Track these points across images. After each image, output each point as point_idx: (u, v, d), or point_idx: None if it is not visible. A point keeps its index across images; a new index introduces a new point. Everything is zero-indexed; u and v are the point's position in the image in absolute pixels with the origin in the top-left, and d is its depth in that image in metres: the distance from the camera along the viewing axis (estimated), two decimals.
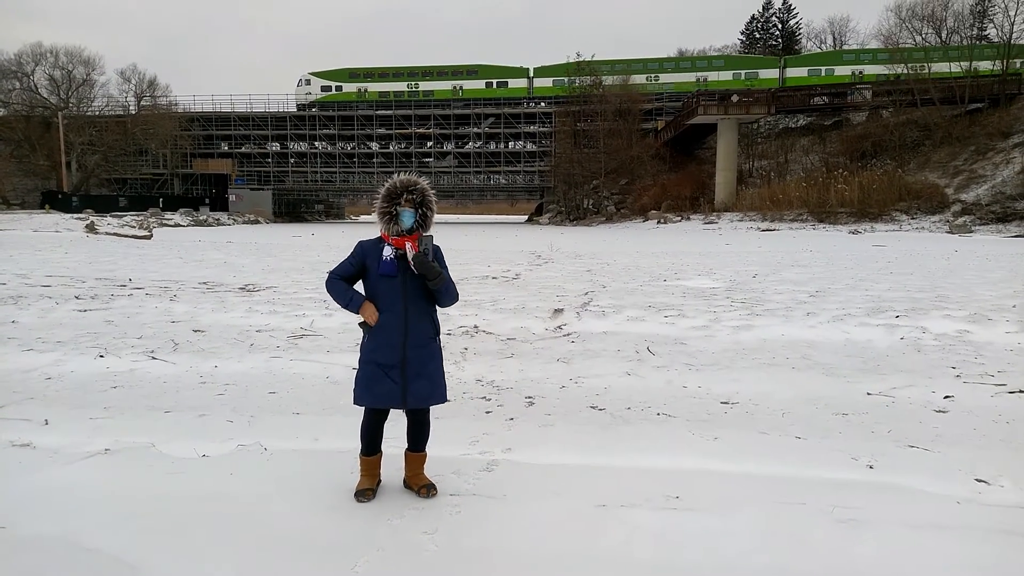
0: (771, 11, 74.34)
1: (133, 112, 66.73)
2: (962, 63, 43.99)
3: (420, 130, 66.77)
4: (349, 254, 3.50)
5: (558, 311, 8.75)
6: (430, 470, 3.58)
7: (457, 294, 3.53)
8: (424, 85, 65.08)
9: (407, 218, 3.34)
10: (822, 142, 48.63)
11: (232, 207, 63.29)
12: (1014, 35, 43.95)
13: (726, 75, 60.65)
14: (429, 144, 68.68)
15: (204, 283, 12.14)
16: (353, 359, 3.82)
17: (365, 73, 66.17)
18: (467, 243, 27.76)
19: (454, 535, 3.04)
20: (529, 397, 5.29)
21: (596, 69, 57.87)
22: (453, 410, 4.95)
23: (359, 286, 3.50)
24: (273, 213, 65.16)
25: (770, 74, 59.84)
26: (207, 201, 65.30)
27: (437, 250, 3.47)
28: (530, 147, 66.75)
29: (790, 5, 73.29)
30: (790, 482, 3.60)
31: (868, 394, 5.27)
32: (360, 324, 3.45)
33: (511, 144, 68.38)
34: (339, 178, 69.20)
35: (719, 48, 75.68)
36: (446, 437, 4.22)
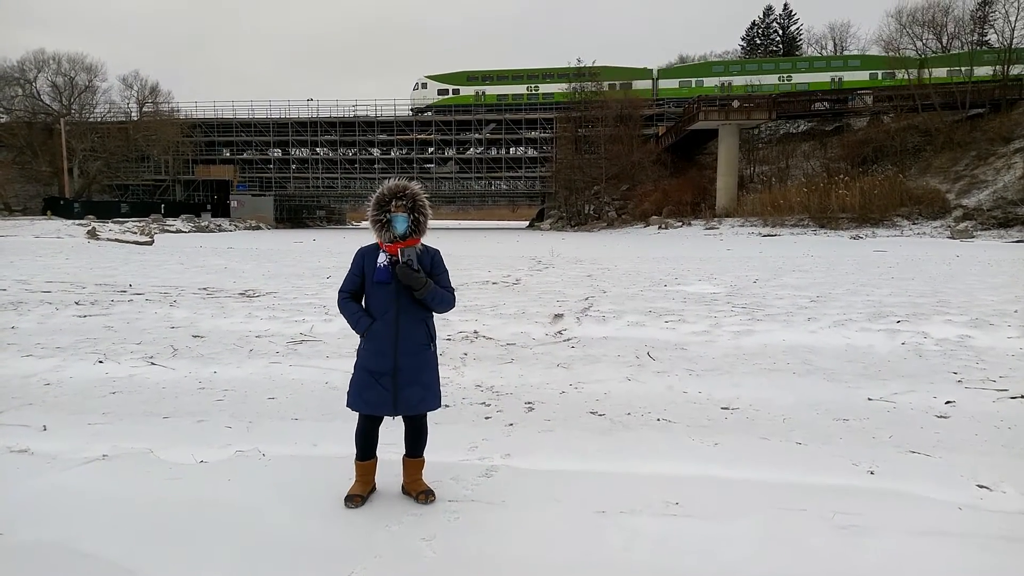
0: (772, 17, 74.49)
1: (135, 118, 66.84)
2: (962, 68, 44.03)
3: (421, 135, 66.82)
4: (351, 264, 3.50)
5: (558, 316, 8.74)
6: (429, 476, 3.57)
7: (452, 300, 3.48)
8: (544, 87, 63.28)
9: (400, 224, 3.33)
10: (823, 147, 48.64)
11: (234, 213, 63.37)
12: (1015, 40, 43.98)
13: (862, 75, 58.20)
14: (431, 150, 68.77)
15: (204, 289, 12.14)
16: (352, 365, 3.80)
17: (483, 76, 64.66)
18: (468, 248, 27.76)
19: (453, 541, 3.03)
20: (529, 403, 5.27)
21: (728, 70, 56.11)
22: (452, 415, 4.94)
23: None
24: (275, 219, 65.20)
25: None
26: (209, 207, 65.38)
27: (435, 255, 3.46)
28: (531, 153, 66.83)
29: (791, 11, 73.46)
30: (791, 488, 3.58)
31: (869, 399, 5.25)
32: None
33: (512, 150, 68.47)
34: (341, 184, 69.27)
35: (720, 53, 75.82)
36: (445, 443, 4.21)
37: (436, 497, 3.44)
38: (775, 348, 7.05)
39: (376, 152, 69.83)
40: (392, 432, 3.61)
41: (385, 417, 3.47)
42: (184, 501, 3.41)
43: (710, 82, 59.30)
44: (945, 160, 40.06)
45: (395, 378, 3.31)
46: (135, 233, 35.90)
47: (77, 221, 44.85)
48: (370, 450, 3.48)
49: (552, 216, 61.30)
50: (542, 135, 64.87)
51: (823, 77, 58.55)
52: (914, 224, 35.16)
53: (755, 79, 58.32)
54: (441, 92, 64.62)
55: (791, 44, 72.86)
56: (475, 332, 8.00)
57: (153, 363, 6.41)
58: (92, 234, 33.18)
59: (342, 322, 7.75)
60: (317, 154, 70.60)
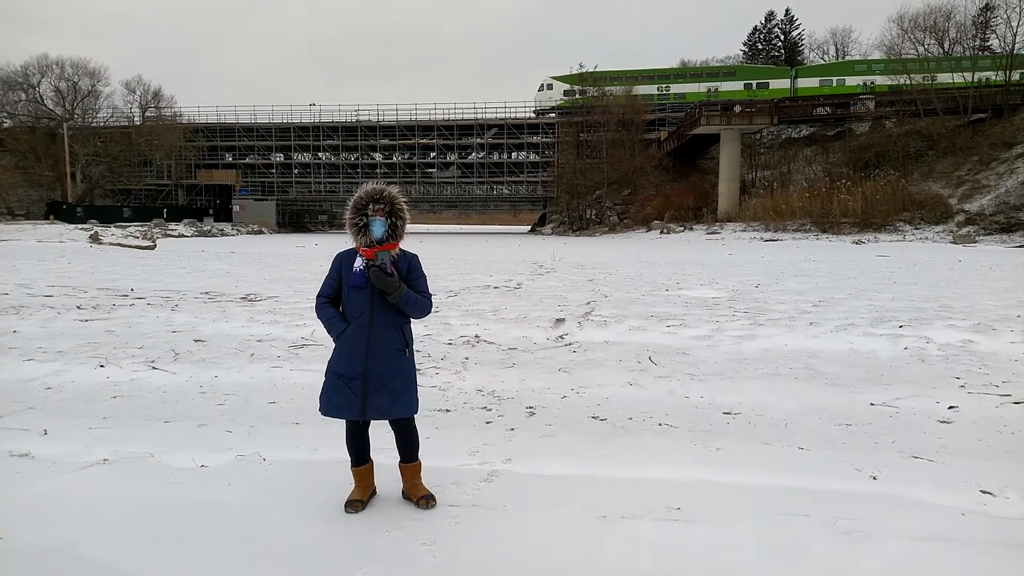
0: (773, 22, 74.60)
1: (138, 123, 67.02)
2: (965, 73, 43.99)
3: (424, 140, 66.90)
4: (330, 268, 3.48)
5: (560, 321, 8.73)
6: (429, 480, 3.55)
7: (427, 306, 3.43)
8: (676, 87, 60.11)
9: (377, 228, 3.31)
10: (825, 152, 48.65)
11: (236, 217, 63.43)
12: (1016, 45, 43.97)
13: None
14: (432, 155, 68.86)
15: (206, 293, 12.15)
16: None
17: (612, 76, 61.41)
18: (469, 253, 27.77)
19: (453, 546, 3.02)
20: (530, 407, 5.26)
21: (871, 68, 52.52)
22: (453, 420, 4.94)
23: None
24: (277, 223, 65.27)
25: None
26: (211, 212, 65.49)
27: (413, 259, 3.44)
28: (533, 157, 66.89)
29: (792, 16, 73.56)
30: (793, 493, 3.56)
31: (872, 404, 5.23)
32: None
33: (514, 154, 68.55)
34: (343, 188, 69.35)
35: (722, 59, 75.87)
36: (446, 447, 4.20)
37: (437, 502, 3.43)
38: (777, 353, 7.03)
39: (378, 157, 69.93)
40: (390, 437, 3.59)
41: (378, 422, 3.44)
42: (185, 505, 3.40)
43: (852, 81, 55.53)
44: (947, 165, 40.07)
45: (364, 382, 3.28)
46: (137, 238, 35.97)
47: (80, 225, 44.92)
48: (363, 455, 3.46)
49: (554, 221, 61.34)
50: (544, 140, 64.93)
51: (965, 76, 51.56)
52: (916, 229, 35.14)
53: (894, 79, 55.77)
54: (567, 93, 61.86)
55: (793, 49, 72.94)
56: (476, 336, 7.99)
57: (154, 367, 6.41)
58: (94, 238, 33.23)
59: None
60: (319, 159, 70.69)
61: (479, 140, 66.87)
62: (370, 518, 3.30)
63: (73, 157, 59.59)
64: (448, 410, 5.19)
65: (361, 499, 3.41)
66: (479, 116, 66.10)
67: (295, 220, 73.82)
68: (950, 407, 5.14)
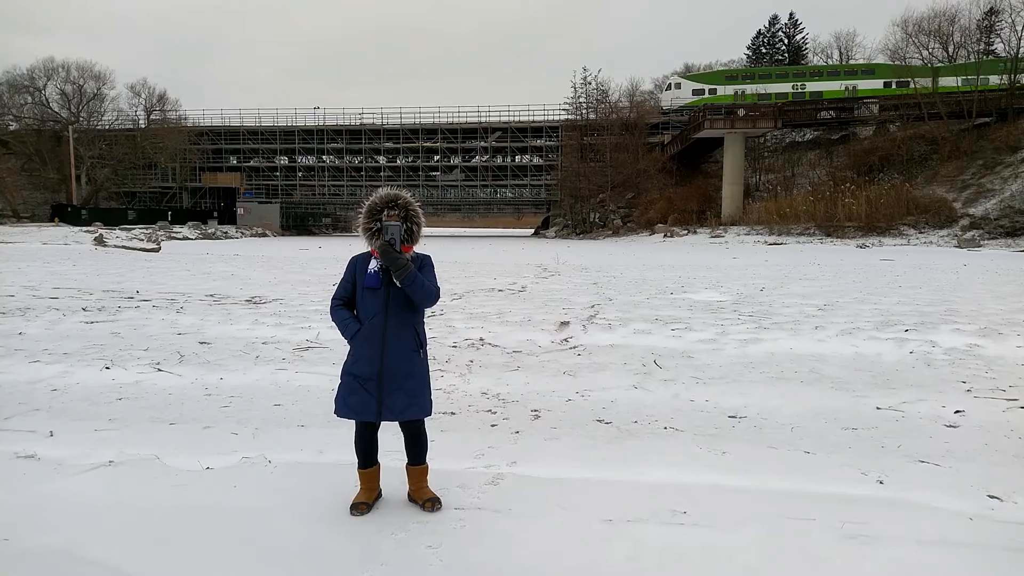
0: (777, 26, 74.55)
1: (143, 126, 67.29)
2: (969, 77, 43.88)
3: (428, 143, 67.00)
4: (344, 271, 3.50)
5: (564, 324, 8.72)
6: (435, 484, 3.55)
7: (435, 293, 3.40)
8: (812, 86, 56.16)
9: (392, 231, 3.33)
10: (829, 156, 48.59)
11: (240, 220, 63.59)
12: (1021, 49, 43.86)
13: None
14: (436, 158, 68.96)
15: (211, 295, 12.17)
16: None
17: (743, 75, 59.34)
18: (473, 256, 27.78)
19: (459, 549, 3.01)
20: (535, 410, 5.26)
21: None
22: (458, 423, 4.93)
23: None
24: (281, 226, 65.41)
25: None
26: (215, 214, 65.64)
27: (426, 259, 3.46)
28: (537, 161, 66.96)
29: (796, 20, 73.52)
30: (799, 497, 3.55)
31: (878, 408, 5.22)
32: None
33: (518, 158, 68.63)
34: (347, 191, 69.50)
35: (725, 63, 75.81)
36: (451, 450, 4.20)
37: (442, 505, 3.42)
38: (782, 356, 7.02)
39: (382, 160, 70.07)
40: (397, 439, 3.59)
41: (386, 424, 3.46)
42: (190, 508, 3.40)
43: (996, 79, 49.43)
44: (952, 169, 39.99)
45: (380, 383, 3.29)
46: (142, 240, 36.03)
47: (84, 228, 45.05)
48: (371, 457, 3.46)
49: (557, 224, 61.34)
50: (548, 143, 64.99)
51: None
52: (921, 233, 35.08)
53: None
54: (696, 92, 58.87)
55: (797, 53, 72.88)
56: (481, 339, 7.99)
57: (160, 369, 6.42)
58: (99, 241, 33.32)
59: None
60: (323, 162, 70.91)
61: (483, 143, 66.96)
62: (376, 521, 3.30)
63: (78, 160, 59.84)
64: (453, 413, 5.19)
65: (367, 502, 3.41)
66: (483, 119, 66.21)
67: (299, 223, 73.99)
68: (956, 411, 5.12)
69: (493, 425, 4.90)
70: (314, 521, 3.28)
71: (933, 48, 47.81)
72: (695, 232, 43.58)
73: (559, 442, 4.50)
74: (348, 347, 3.47)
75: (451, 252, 30.35)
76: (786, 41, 73.95)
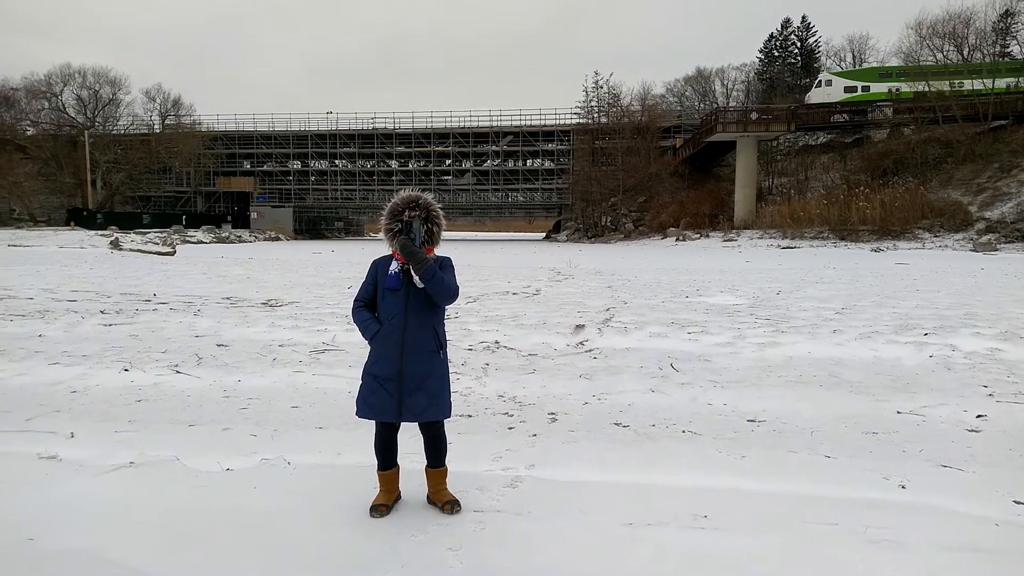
0: (789, 29, 74.18)
1: (158, 131, 67.89)
2: (985, 80, 43.48)
3: (439, 147, 67.20)
4: (366, 274, 3.53)
5: (580, 327, 8.70)
6: (454, 486, 3.55)
7: (454, 289, 3.38)
8: (972, 84, 49.97)
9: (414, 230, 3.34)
10: (843, 159, 48.29)
11: (253, 224, 64.00)
12: None
13: None
14: (448, 162, 69.13)
15: (227, 298, 12.24)
16: None
17: (898, 72, 54.39)
18: (486, 259, 27.80)
19: (479, 552, 3.00)
20: (552, 413, 5.25)
21: None
22: (475, 426, 4.93)
23: None
24: (293, 230, 65.77)
25: None
26: (229, 218, 66.09)
27: (446, 260, 3.46)
28: (548, 164, 67.01)
29: (809, 23, 73.14)
30: (821, 502, 3.52)
31: (898, 413, 5.17)
32: None
33: (529, 162, 68.70)
34: (359, 195, 69.81)
35: (737, 66, 75.51)
36: (469, 453, 4.19)
37: (462, 507, 3.42)
38: (801, 360, 6.97)
39: (394, 164, 70.35)
40: (415, 441, 3.60)
41: (405, 426, 3.46)
42: (211, 508, 3.42)
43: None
44: (967, 172, 39.63)
45: (400, 383, 3.30)
46: (157, 244, 36.31)
47: (100, 232, 45.49)
48: (390, 459, 3.47)
49: (569, 228, 61.33)
50: (559, 147, 65.03)
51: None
52: (935, 237, 34.76)
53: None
54: (848, 90, 55.15)
55: (809, 56, 72.50)
56: (496, 342, 7.98)
57: (178, 371, 6.46)
58: (115, 244, 33.62)
59: None
60: (336, 166, 71.30)
61: (494, 147, 67.07)
62: (395, 523, 3.30)
63: (94, 164, 60.42)
64: (470, 415, 5.19)
65: (386, 503, 3.41)
66: (494, 123, 66.35)
67: (312, 227, 74.41)
68: (978, 416, 5.06)
69: (510, 428, 4.89)
70: (334, 522, 3.28)
71: (947, 51, 47.38)
72: (707, 236, 43.44)
73: (577, 445, 4.48)
74: (366, 349, 3.48)
75: (464, 256, 30.39)
76: (799, 44, 73.56)
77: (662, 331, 8.45)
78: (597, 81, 63.11)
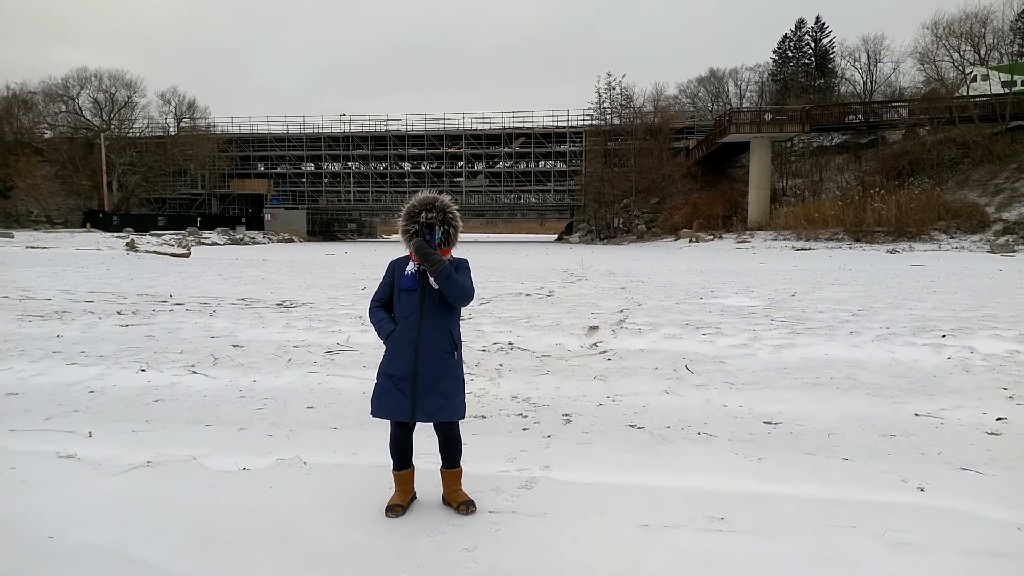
0: (803, 30, 73.71)
1: (173, 133, 68.45)
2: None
3: (452, 150, 67.32)
4: (383, 275, 3.55)
5: (593, 328, 8.68)
6: (468, 487, 3.55)
7: (469, 291, 3.38)
8: None
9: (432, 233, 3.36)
10: (857, 160, 47.90)
11: (267, 226, 64.39)
12: None
13: None
14: (460, 164, 69.22)
15: (242, 299, 12.31)
16: None
17: None
18: (498, 261, 27.81)
19: (495, 553, 3.00)
20: (566, 414, 5.24)
21: None
22: (490, 427, 4.93)
23: None
24: (307, 232, 66.09)
25: None
26: (243, 220, 66.51)
27: (463, 262, 3.47)
28: (560, 166, 66.95)
29: (823, 23, 72.65)
30: (839, 505, 3.49)
31: (916, 415, 5.12)
32: None
33: (542, 163, 68.67)
34: (372, 197, 70.06)
35: (751, 67, 75.13)
36: (484, 454, 4.19)
37: (477, 508, 3.42)
38: (817, 362, 6.92)
39: (407, 166, 70.56)
40: (431, 442, 3.60)
41: (421, 427, 3.47)
42: (228, 508, 3.44)
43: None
44: (984, 173, 39.21)
45: (414, 384, 3.31)
46: (172, 245, 36.62)
47: (116, 233, 45.94)
48: (405, 459, 3.48)
49: (581, 229, 61.19)
50: (572, 148, 64.97)
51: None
52: (952, 238, 34.40)
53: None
54: (1006, 84, 50.16)
55: (824, 57, 72.04)
56: (510, 343, 7.98)
57: (194, 372, 6.51)
58: (131, 246, 33.91)
59: None
60: (349, 168, 71.59)
61: (507, 149, 67.11)
62: (411, 523, 3.30)
63: (110, 167, 60.97)
64: (484, 416, 5.19)
65: (402, 504, 3.42)
66: (507, 125, 66.38)
67: (325, 228, 74.70)
68: (998, 418, 5.00)
69: (524, 429, 4.88)
70: (350, 522, 3.29)
71: (964, 50, 46.92)
72: (720, 237, 43.21)
73: (591, 446, 4.47)
74: (381, 350, 3.50)
75: (476, 257, 30.39)
76: (813, 45, 73.09)
77: (676, 332, 8.42)
78: (610, 82, 62.99)
